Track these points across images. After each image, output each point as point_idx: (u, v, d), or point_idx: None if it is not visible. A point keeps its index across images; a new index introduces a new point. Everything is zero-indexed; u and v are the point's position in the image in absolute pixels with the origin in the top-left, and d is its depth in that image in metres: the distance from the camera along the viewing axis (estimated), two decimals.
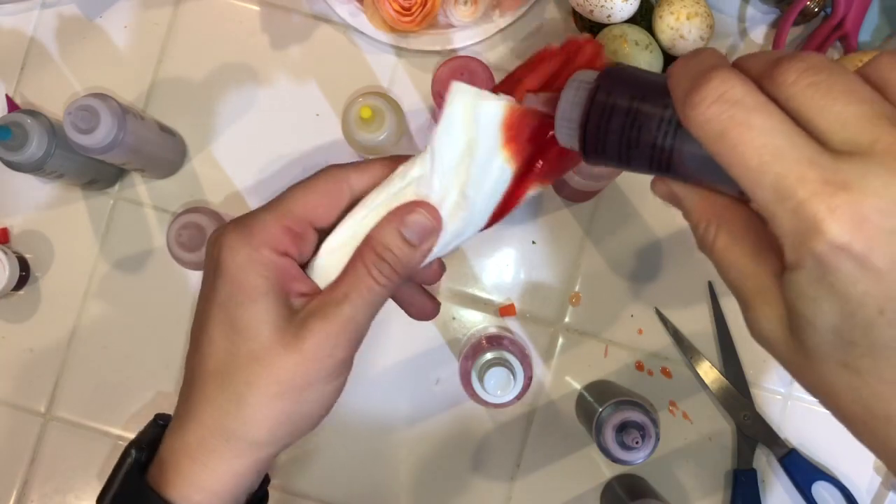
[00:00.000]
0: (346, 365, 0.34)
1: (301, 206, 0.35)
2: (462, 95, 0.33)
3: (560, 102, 0.31)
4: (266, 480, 0.39)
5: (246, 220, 0.35)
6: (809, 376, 0.27)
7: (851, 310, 0.23)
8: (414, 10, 0.66)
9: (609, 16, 0.63)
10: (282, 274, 0.34)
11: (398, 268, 0.34)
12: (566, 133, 0.31)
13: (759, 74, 0.25)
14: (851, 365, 0.25)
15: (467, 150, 0.34)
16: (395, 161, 0.36)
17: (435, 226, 0.34)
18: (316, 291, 0.35)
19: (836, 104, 0.23)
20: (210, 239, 0.35)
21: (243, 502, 0.36)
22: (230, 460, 0.34)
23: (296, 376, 0.33)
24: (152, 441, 0.36)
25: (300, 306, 0.34)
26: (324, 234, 0.36)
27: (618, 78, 0.29)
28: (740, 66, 0.26)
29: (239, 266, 0.34)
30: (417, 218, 0.34)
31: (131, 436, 0.72)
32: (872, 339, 0.24)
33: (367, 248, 0.34)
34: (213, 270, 0.35)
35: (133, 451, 0.36)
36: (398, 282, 0.35)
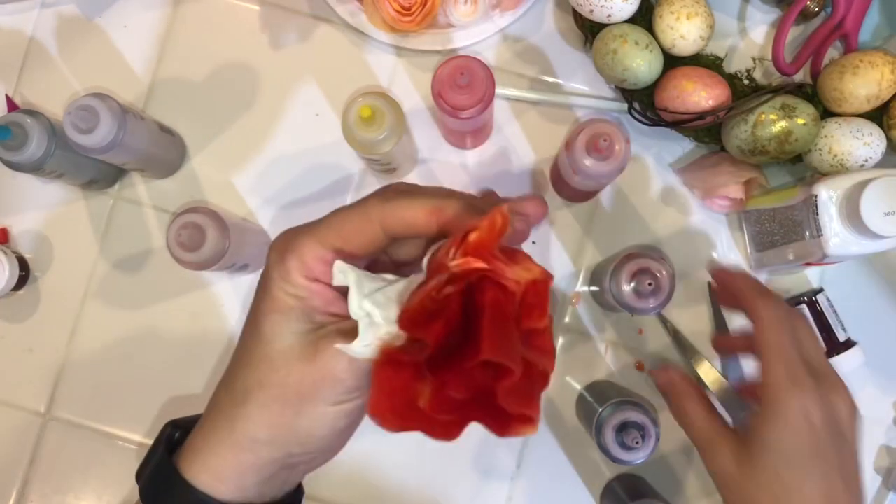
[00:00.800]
0: (353, 393, 0.34)
1: (334, 237, 0.35)
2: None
3: None
4: (299, 490, 0.40)
5: (290, 238, 0.35)
6: (748, 487, 0.47)
7: (794, 438, 0.46)
8: (414, 10, 0.66)
9: (609, 15, 0.63)
10: (312, 296, 0.35)
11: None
12: None
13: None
14: (782, 473, 0.46)
15: None
16: (437, 210, 0.33)
17: None
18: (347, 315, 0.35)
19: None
20: (270, 244, 0.37)
21: (256, 495, 0.36)
22: (233, 452, 0.35)
23: (301, 385, 0.34)
24: (190, 422, 0.38)
25: (327, 323, 0.35)
26: (361, 260, 0.36)
27: None
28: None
29: (274, 280, 0.35)
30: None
31: (131, 436, 0.71)
32: (798, 461, 0.46)
33: None
34: (261, 276, 0.36)
35: (169, 429, 0.38)
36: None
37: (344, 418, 0.35)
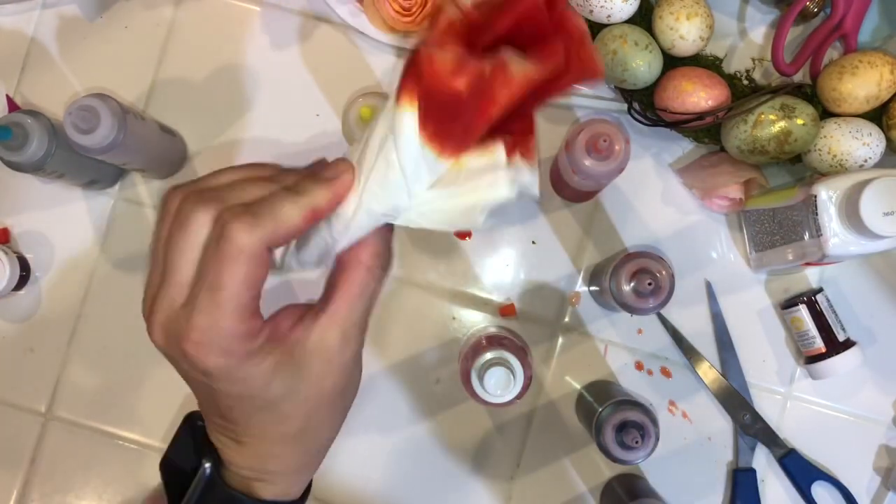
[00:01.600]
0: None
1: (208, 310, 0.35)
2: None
3: None
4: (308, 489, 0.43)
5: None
6: None
7: None
8: (414, 10, 0.66)
9: (609, 16, 0.63)
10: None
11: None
12: None
13: None
14: None
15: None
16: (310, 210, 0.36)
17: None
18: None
19: None
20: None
21: None
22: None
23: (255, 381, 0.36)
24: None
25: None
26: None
27: None
28: None
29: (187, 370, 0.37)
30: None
31: (131, 435, 0.71)
32: None
33: None
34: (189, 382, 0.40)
35: (196, 422, 0.40)
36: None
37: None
